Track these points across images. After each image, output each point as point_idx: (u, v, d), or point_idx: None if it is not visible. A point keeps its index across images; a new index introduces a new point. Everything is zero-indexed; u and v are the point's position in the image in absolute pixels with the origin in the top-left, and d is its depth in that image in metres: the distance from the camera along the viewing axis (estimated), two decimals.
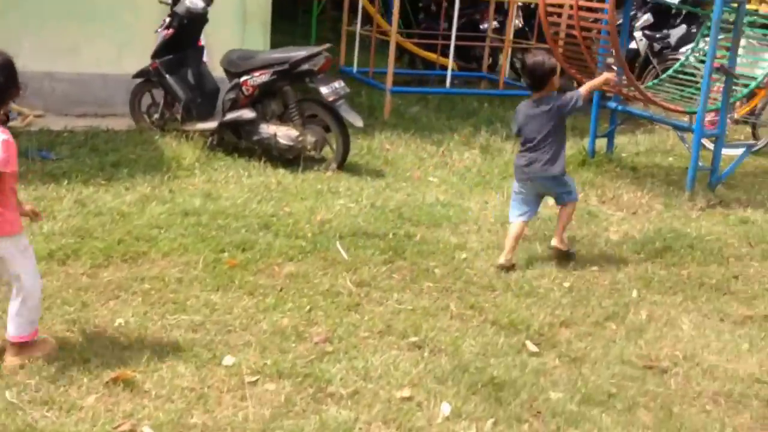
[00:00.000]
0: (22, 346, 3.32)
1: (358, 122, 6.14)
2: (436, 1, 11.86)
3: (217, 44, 7.88)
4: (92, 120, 7.34)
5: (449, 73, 8.67)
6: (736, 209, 6.19)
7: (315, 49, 6.17)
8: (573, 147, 7.51)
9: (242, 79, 6.21)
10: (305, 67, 6.04)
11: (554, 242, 4.91)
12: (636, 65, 10.05)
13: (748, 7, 6.87)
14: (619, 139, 8.27)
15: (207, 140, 6.54)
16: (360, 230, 5.10)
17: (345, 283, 4.36)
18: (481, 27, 11.06)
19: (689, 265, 5.00)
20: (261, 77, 6.14)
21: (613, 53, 5.95)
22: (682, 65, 7.18)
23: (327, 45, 6.31)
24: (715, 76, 6.20)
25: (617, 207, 6.08)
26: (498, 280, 4.56)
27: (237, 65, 6.29)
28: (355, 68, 9.40)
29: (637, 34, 10.35)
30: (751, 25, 7.07)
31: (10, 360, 3.31)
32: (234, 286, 4.20)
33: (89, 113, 7.56)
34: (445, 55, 10.59)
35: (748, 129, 8.62)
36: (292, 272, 4.41)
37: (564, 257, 4.90)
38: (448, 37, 9.77)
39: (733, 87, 6.41)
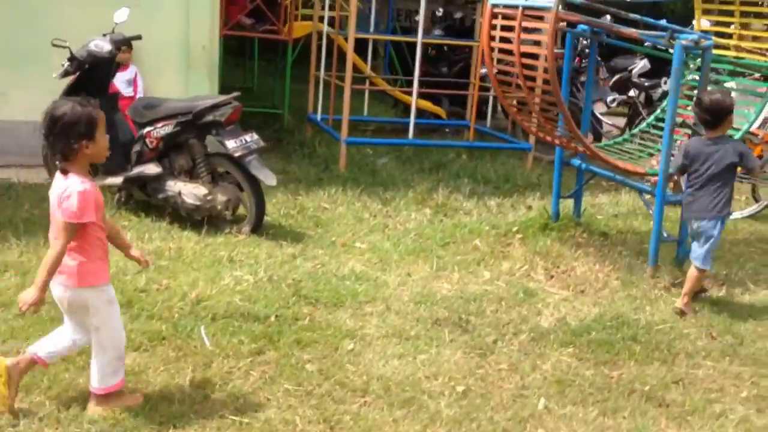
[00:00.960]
0: (108, 396, 3.35)
1: (271, 180, 5.45)
2: (434, 45, 11.22)
3: (159, 91, 7.30)
4: (15, 171, 6.78)
5: (412, 121, 7.93)
6: (708, 289, 5.31)
7: (221, 98, 5.51)
8: (532, 208, 6.74)
9: (146, 130, 5.58)
10: (210, 117, 5.39)
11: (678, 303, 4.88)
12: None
13: (727, 53, 6.03)
14: (601, 198, 7.49)
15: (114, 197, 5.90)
16: (239, 311, 4.38)
17: (183, 383, 3.62)
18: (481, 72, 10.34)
19: (625, 364, 4.17)
20: (164, 128, 5.51)
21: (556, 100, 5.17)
22: (656, 119, 6.36)
23: (236, 93, 5.65)
24: (682, 131, 5.39)
25: (564, 284, 5.25)
26: (377, 382, 3.78)
27: (142, 115, 5.66)
28: (319, 116, 8.74)
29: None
30: (733, 74, 6.25)
31: (92, 409, 3.35)
32: (43, 386, 3.49)
33: (14, 163, 7.00)
34: (438, 101, 9.97)
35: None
36: (126, 367, 3.67)
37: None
38: (426, 83, 9.12)
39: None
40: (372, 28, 10.24)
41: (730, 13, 6.16)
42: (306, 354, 4.00)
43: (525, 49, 5.18)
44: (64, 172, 3.17)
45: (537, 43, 5.32)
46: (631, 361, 4.20)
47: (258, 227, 5.63)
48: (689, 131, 5.47)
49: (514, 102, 5.88)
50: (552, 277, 5.39)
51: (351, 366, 3.91)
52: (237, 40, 11.57)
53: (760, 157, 7.03)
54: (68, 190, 3.13)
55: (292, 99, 9.37)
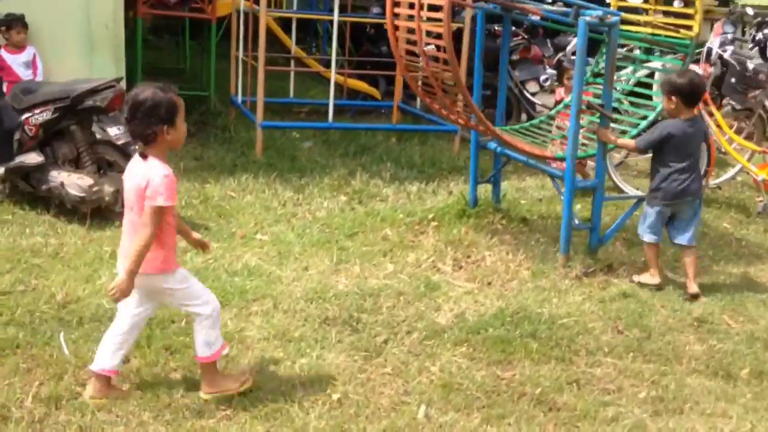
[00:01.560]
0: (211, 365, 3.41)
1: None
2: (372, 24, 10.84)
3: (61, 75, 6.88)
4: None
5: (331, 103, 7.58)
6: (623, 278, 5.08)
7: (101, 81, 5.14)
8: (453, 194, 6.46)
9: (24, 117, 5.19)
10: (89, 102, 5.01)
11: (692, 289, 4.88)
12: None
13: (642, 29, 5.77)
14: (527, 182, 7.22)
15: None
16: (108, 314, 4.03)
17: (25, 398, 3.30)
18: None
19: (519, 364, 3.91)
20: (42, 115, 5.13)
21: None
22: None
23: (119, 77, 5.27)
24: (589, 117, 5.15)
25: (471, 276, 4.99)
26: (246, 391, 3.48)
27: (20, 100, 5.27)
28: (240, 98, 8.36)
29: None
30: (648, 52, 6.00)
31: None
32: None
33: None
34: (375, 82, 9.59)
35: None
36: None
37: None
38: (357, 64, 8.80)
39: (620, 128, 5.34)
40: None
41: None
42: (174, 361, 3.69)
43: (426, 26, 4.87)
44: (144, 156, 3.18)
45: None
46: (527, 360, 3.95)
47: None
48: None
49: (420, 81, 5.57)
50: (460, 268, 5.12)
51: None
52: (170, 20, 11.15)
53: None
54: (152, 174, 3.14)
55: (224, 81, 8.96)
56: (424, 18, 4.80)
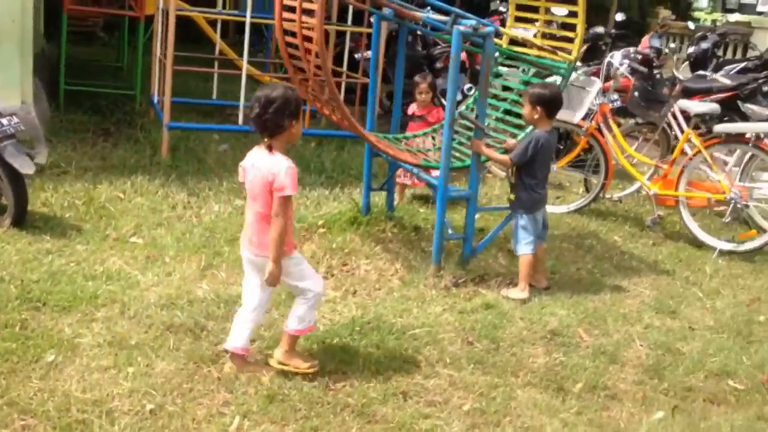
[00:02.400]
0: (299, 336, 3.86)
1: (26, 168, 5.08)
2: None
3: None
4: None
5: (241, 105, 7.56)
6: (494, 290, 5.11)
7: None
8: (345, 201, 6.47)
9: None
10: None
11: (543, 284, 5.17)
12: None
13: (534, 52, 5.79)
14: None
15: None
16: None
17: None
18: (356, 57, 9.98)
19: (355, 374, 3.92)
20: None
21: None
22: (468, 108, 6.11)
23: None
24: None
25: (338, 284, 5.00)
26: (56, 401, 3.46)
27: None
28: (156, 98, 8.32)
29: None
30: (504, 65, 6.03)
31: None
32: None
33: None
34: None
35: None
36: None
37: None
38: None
39: (488, 141, 5.36)
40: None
41: (536, 9, 5.92)
42: None
43: (302, 29, 4.85)
44: (270, 148, 3.57)
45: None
46: (365, 370, 3.95)
47: (21, 220, 5.25)
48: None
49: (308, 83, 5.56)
50: (332, 276, 5.12)
51: (37, 382, 3.57)
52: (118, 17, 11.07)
53: (588, 149, 6.89)
54: (278, 167, 3.53)
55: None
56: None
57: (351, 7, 8.53)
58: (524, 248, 5.05)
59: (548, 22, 6.06)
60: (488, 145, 5.22)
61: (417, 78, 6.59)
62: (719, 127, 6.22)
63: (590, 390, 4.00)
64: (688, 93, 8.19)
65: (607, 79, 6.80)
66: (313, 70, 4.89)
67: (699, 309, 5.16)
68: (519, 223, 5.08)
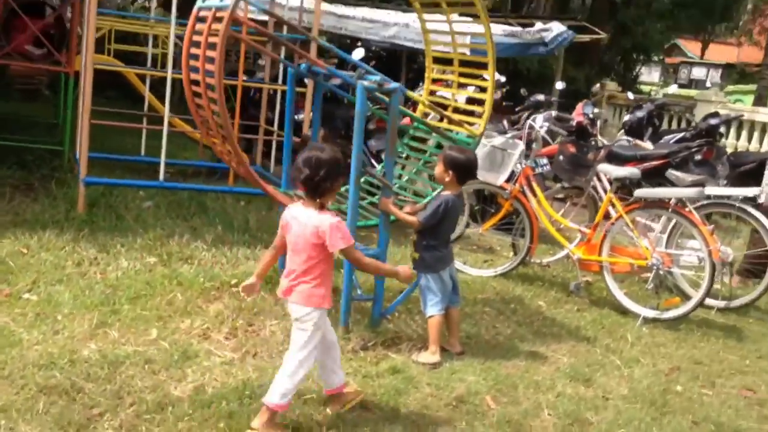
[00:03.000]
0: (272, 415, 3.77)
1: None
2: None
3: None
4: None
5: (162, 161, 7.35)
6: (404, 353, 4.90)
7: None
8: (244, 258, 6.23)
9: None
10: None
11: (457, 349, 5.00)
12: None
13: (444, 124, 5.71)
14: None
15: None
16: None
17: None
18: (296, 118, 9.85)
19: None
20: None
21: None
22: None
23: None
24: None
25: (239, 345, 4.76)
26: None
27: None
28: (77, 153, 8.07)
29: None
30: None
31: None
32: None
33: None
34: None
35: None
36: None
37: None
38: None
39: (397, 198, 5.23)
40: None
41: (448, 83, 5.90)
42: None
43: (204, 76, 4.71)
44: (322, 207, 3.78)
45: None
46: None
47: None
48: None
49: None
50: (234, 337, 4.88)
51: None
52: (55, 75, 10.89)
53: (513, 213, 6.79)
54: (327, 222, 3.72)
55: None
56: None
57: (284, 67, 8.44)
58: (431, 309, 4.88)
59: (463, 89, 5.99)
60: (397, 205, 5.08)
61: (306, 133, 6.42)
62: (639, 192, 6.17)
63: None
64: (617, 159, 8.20)
65: (528, 142, 6.74)
66: (213, 118, 4.72)
67: (616, 378, 4.99)
68: (423, 283, 4.92)
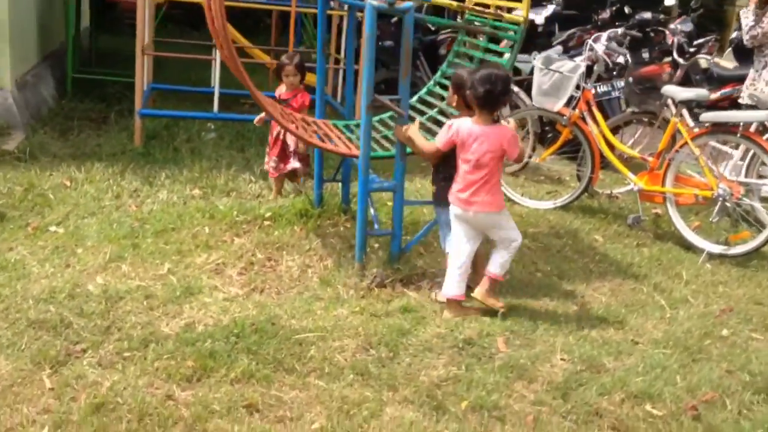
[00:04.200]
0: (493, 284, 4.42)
1: None
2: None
3: None
4: None
5: (216, 91, 7.24)
6: (423, 290, 4.65)
7: None
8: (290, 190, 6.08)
9: None
10: None
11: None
12: None
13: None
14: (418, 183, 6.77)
15: None
16: None
17: None
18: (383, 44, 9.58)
19: (209, 382, 3.55)
20: None
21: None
22: (429, 91, 5.61)
23: None
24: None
25: (248, 281, 4.63)
26: None
27: None
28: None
29: None
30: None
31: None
32: None
33: None
34: None
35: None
36: None
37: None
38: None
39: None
40: None
41: None
42: None
43: None
44: (498, 120, 4.31)
45: None
46: (223, 379, 3.57)
47: None
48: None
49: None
50: (248, 272, 4.75)
51: None
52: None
53: (571, 140, 6.31)
54: (509, 134, 4.27)
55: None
56: None
57: None
58: (449, 245, 4.56)
59: None
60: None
61: (284, 58, 6.05)
62: (705, 116, 5.54)
63: (476, 410, 3.51)
64: (714, 80, 7.47)
65: (592, 64, 6.15)
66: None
67: (654, 320, 4.55)
68: (441, 218, 4.59)
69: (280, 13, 10.83)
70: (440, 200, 4.59)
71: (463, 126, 4.25)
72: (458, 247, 4.37)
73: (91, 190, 5.89)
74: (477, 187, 4.25)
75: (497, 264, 4.38)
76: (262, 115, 5.92)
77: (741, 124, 5.30)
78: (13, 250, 4.75)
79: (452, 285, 4.34)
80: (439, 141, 4.43)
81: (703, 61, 7.43)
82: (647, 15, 10.75)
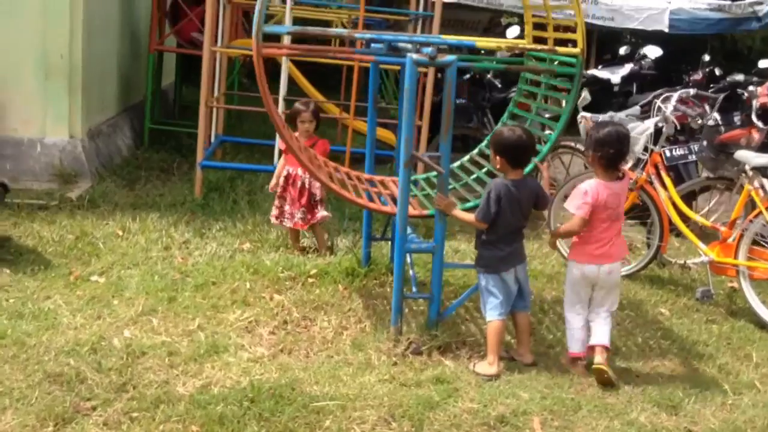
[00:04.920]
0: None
1: None
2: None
3: (16, 101, 7.06)
4: None
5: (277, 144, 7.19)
6: (461, 359, 4.37)
7: None
8: (342, 248, 5.91)
9: None
10: None
11: (527, 359, 4.43)
12: None
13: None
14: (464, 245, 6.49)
15: None
16: None
17: None
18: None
19: None
20: None
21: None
22: (480, 152, 5.40)
23: None
24: None
25: (279, 341, 4.46)
26: None
27: None
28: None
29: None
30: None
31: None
32: None
33: None
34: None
35: None
36: None
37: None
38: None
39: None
40: None
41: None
42: None
43: None
44: (624, 175, 4.43)
45: None
46: None
47: None
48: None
49: None
50: (280, 331, 4.58)
51: None
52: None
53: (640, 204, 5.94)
54: (626, 189, 4.59)
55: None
56: None
57: None
58: (490, 313, 4.30)
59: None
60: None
61: (298, 105, 5.87)
62: None
63: None
64: None
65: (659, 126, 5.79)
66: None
67: (713, 406, 4.12)
68: (481, 283, 4.33)
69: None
70: (480, 265, 4.34)
71: (600, 188, 4.24)
72: (570, 307, 4.42)
73: (142, 240, 5.87)
74: (614, 239, 4.32)
75: (607, 333, 4.35)
76: (274, 182, 5.82)
77: None
78: (50, 299, 4.73)
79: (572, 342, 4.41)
80: (581, 210, 4.25)
81: None
82: (739, 77, 10.26)
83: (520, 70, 5.39)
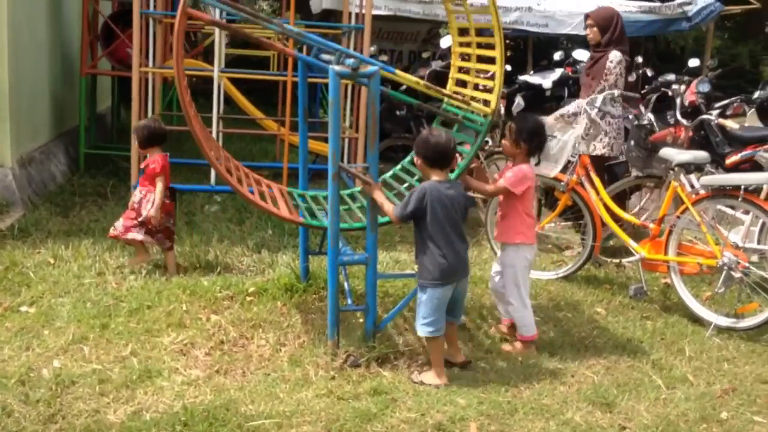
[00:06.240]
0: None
1: None
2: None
3: None
4: None
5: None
6: (401, 370, 4.37)
7: None
8: (282, 264, 5.87)
9: None
10: None
11: (459, 359, 4.46)
12: None
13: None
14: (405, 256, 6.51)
15: None
16: None
17: None
18: (397, 113, 9.49)
19: None
20: None
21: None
22: (412, 160, 5.39)
23: None
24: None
25: (215, 362, 4.39)
26: None
27: None
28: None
29: None
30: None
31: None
32: None
33: None
34: None
35: None
36: None
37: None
38: None
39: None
40: None
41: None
42: None
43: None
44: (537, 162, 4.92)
45: None
46: None
47: None
48: None
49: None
50: (211, 354, 4.52)
51: None
52: None
53: (570, 206, 6.02)
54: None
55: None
56: None
57: None
58: (422, 329, 4.24)
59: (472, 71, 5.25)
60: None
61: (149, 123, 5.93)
62: (704, 180, 5.22)
63: None
64: (737, 141, 7.13)
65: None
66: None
67: (647, 401, 4.18)
68: (420, 296, 4.27)
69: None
70: (420, 276, 4.28)
71: (529, 170, 4.69)
72: (524, 291, 4.77)
73: (75, 267, 5.75)
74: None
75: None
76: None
77: (742, 187, 4.96)
78: None
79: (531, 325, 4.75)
80: (517, 190, 4.67)
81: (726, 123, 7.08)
82: (670, 77, 10.50)
83: (432, 113, 5.42)
